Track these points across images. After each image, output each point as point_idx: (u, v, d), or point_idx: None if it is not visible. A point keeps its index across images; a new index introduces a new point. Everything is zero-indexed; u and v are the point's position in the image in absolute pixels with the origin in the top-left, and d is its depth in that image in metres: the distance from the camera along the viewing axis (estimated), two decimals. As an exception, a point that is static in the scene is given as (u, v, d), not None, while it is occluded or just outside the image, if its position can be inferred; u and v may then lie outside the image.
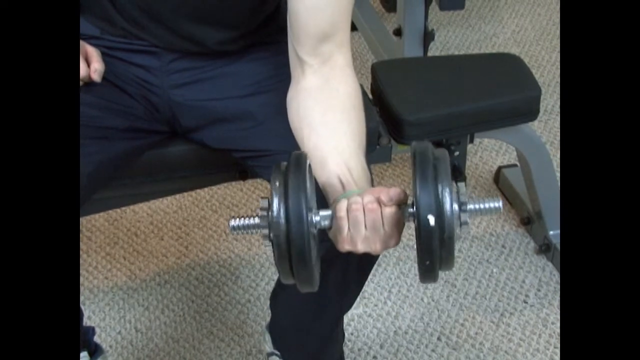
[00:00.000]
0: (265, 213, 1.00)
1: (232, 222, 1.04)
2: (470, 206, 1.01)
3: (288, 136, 1.23)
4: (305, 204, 0.99)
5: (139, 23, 1.34)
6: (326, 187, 1.12)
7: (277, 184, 1.00)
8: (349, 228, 1.03)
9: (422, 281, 1.04)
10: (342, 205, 1.04)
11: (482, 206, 1.02)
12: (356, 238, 1.04)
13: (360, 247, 1.04)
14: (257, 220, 1.03)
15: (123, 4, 1.33)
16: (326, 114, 1.19)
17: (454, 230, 0.98)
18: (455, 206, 0.98)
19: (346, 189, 1.10)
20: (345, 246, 1.05)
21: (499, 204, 1.02)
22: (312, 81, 1.21)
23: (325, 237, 1.09)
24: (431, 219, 0.97)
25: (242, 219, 1.04)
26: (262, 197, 1.03)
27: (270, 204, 1.00)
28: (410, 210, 1.01)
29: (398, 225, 1.04)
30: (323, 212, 1.04)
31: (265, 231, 1.01)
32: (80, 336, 1.50)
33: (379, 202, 1.03)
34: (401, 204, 1.04)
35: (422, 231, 0.97)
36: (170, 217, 2.12)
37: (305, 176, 1.01)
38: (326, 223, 1.04)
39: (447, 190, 0.98)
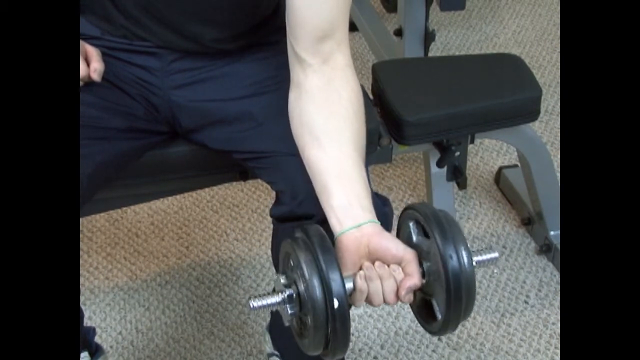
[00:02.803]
0: (289, 292, 1.07)
1: (253, 303, 1.08)
2: (476, 258, 1.10)
3: (288, 137, 1.23)
4: (342, 277, 1.04)
5: (139, 22, 1.34)
6: (327, 210, 1.15)
7: (304, 256, 1.05)
8: (368, 295, 1.10)
9: (442, 333, 1.13)
10: (361, 277, 1.09)
11: (484, 258, 1.11)
12: (373, 303, 1.11)
13: (376, 306, 1.12)
14: (281, 296, 1.07)
15: (123, 2, 1.33)
16: (328, 121, 1.18)
17: (474, 276, 1.07)
18: (472, 258, 1.07)
19: (343, 224, 1.12)
20: (360, 305, 1.12)
21: (495, 254, 1.12)
22: (314, 81, 1.21)
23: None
24: (454, 257, 1.05)
25: (263, 298, 1.08)
26: (277, 277, 1.09)
27: (303, 280, 1.04)
28: (426, 265, 1.10)
29: (412, 291, 1.11)
30: (347, 283, 1.08)
31: (293, 311, 1.07)
32: (80, 336, 1.49)
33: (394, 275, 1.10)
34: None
35: (452, 284, 1.05)
36: (171, 218, 2.12)
37: (332, 247, 1.07)
38: (348, 292, 1.09)
39: (463, 242, 1.07)
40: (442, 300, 1.07)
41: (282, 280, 1.08)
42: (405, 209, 1.15)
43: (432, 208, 1.11)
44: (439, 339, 1.81)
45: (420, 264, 1.10)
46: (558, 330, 1.82)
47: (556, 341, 1.80)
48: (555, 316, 1.85)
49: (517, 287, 1.93)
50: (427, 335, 1.81)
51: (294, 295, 1.07)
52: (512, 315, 1.86)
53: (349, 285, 1.09)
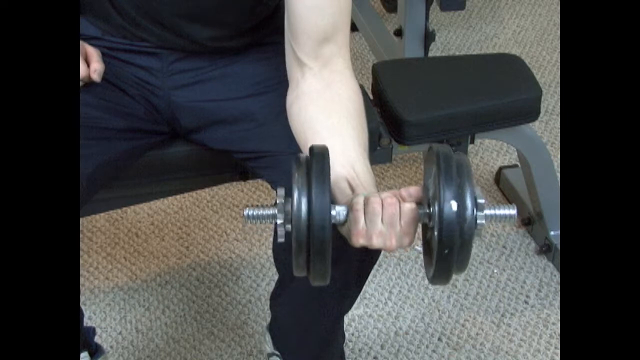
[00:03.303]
0: (282, 202, 1.02)
1: (247, 211, 1.05)
2: (487, 211, 1.02)
3: (288, 138, 1.23)
4: (329, 198, 0.99)
5: (137, 22, 1.35)
6: (335, 189, 1.12)
7: (299, 175, 1.01)
8: (365, 221, 1.03)
9: (433, 282, 1.05)
10: (359, 199, 1.04)
11: (497, 212, 1.03)
12: (372, 232, 1.04)
13: (375, 242, 1.04)
14: (273, 210, 1.04)
15: (121, 3, 1.33)
16: (330, 118, 1.18)
17: (474, 225, 1.00)
18: (475, 202, 1.00)
19: (355, 191, 1.10)
20: (359, 240, 1.05)
21: (514, 211, 1.03)
22: (313, 85, 1.20)
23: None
24: (454, 205, 0.98)
25: (258, 208, 1.05)
26: (279, 187, 1.04)
27: (291, 195, 1.00)
28: (427, 211, 1.03)
29: (414, 223, 1.05)
30: (339, 207, 1.05)
31: (281, 221, 1.02)
32: (80, 336, 1.49)
33: (397, 198, 1.04)
34: (418, 203, 1.05)
35: (444, 220, 0.98)
36: (171, 218, 2.12)
37: (329, 170, 1.01)
38: (341, 218, 1.05)
39: (468, 186, 0.99)
40: (435, 250, 1.02)
41: (280, 192, 1.05)
42: (428, 150, 1.08)
43: (449, 150, 1.03)
44: (439, 339, 1.81)
45: (428, 207, 1.04)
46: (558, 331, 1.82)
47: (556, 341, 1.80)
48: (555, 316, 1.85)
49: (517, 287, 1.93)
50: (427, 335, 1.81)
51: (288, 212, 1.03)
52: (512, 315, 1.86)
53: (343, 209, 1.05)
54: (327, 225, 0.99)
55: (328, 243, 1.00)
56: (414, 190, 1.05)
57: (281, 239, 1.04)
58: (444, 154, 1.02)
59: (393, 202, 1.03)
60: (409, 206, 1.04)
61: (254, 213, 1.05)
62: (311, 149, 1.04)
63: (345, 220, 1.05)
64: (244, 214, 1.05)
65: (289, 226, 1.03)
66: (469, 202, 0.99)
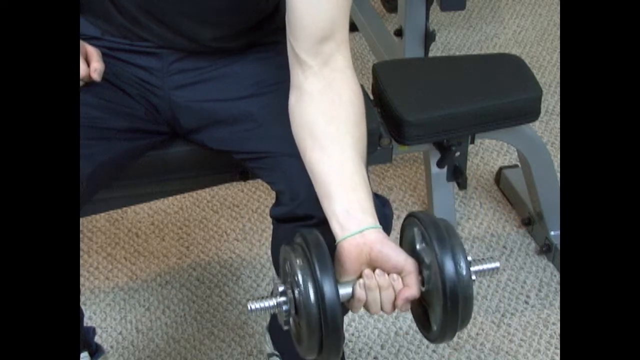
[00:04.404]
0: (284, 292, 1.08)
1: (251, 305, 1.09)
2: (475, 267, 1.10)
3: (288, 138, 1.23)
4: (336, 283, 1.05)
5: (138, 22, 1.35)
6: (329, 215, 1.15)
7: (300, 262, 1.06)
8: (367, 302, 1.11)
9: (439, 341, 1.13)
10: (361, 286, 1.10)
11: (483, 267, 1.12)
12: (371, 311, 1.12)
13: (373, 313, 1.13)
14: (275, 300, 1.09)
15: (122, 2, 1.33)
16: (329, 124, 1.18)
17: (472, 282, 1.08)
18: (469, 268, 1.08)
19: (345, 229, 1.12)
20: (358, 311, 1.13)
21: (497, 264, 1.12)
22: (314, 84, 1.20)
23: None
24: (453, 268, 1.06)
25: (261, 300, 1.09)
26: (275, 277, 1.12)
27: (297, 285, 1.05)
28: (425, 273, 1.10)
29: (410, 301, 1.12)
30: (343, 290, 1.10)
31: (286, 315, 1.08)
32: (80, 337, 1.49)
33: (394, 283, 1.11)
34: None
35: (449, 295, 1.06)
36: (172, 218, 2.12)
37: (329, 255, 1.07)
38: (345, 298, 1.11)
39: (462, 253, 1.07)
40: (439, 310, 1.08)
41: (280, 284, 1.10)
42: (408, 216, 1.15)
43: (433, 217, 1.11)
44: (439, 339, 1.81)
45: (421, 272, 1.10)
46: (558, 331, 1.82)
47: (556, 341, 1.80)
48: (555, 316, 1.85)
49: (517, 287, 1.93)
50: (428, 335, 1.81)
51: (290, 299, 1.08)
52: (512, 315, 1.86)
53: (347, 291, 1.10)
54: (337, 312, 1.04)
55: (341, 329, 1.06)
56: (410, 295, 1.10)
57: (286, 327, 1.11)
58: (430, 220, 1.10)
59: (391, 292, 1.10)
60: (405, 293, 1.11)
61: (258, 306, 1.09)
62: (303, 234, 1.09)
63: (349, 297, 1.11)
64: (248, 308, 1.09)
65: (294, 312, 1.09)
66: (464, 265, 1.07)
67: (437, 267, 1.06)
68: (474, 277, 1.08)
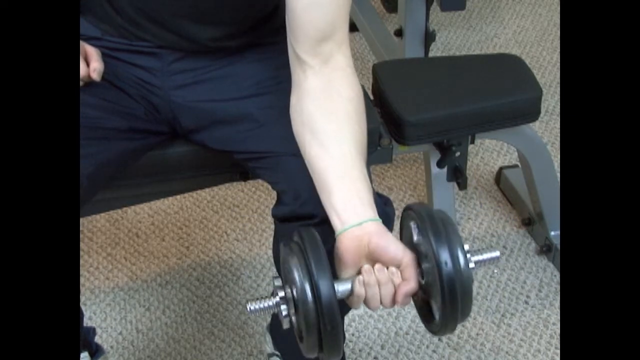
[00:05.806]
0: (282, 291, 1.09)
1: (250, 306, 1.10)
2: (475, 257, 1.11)
3: (288, 138, 1.23)
4: (332, 281, 1.05)
5: (136, 22, 1.35)
6: (328, 208, 1.15)
7: (297, 261, 1.06)
8: (366, 297, 1.11)
9: (441, 333, 1.13)
10: (360, 282, 1.10)
11: (483, 257, 1.12)
12: (370, 306, 1.12)
13: (373, 309, 1.13)
14: (274, 300, 1.10)
15: (121, 4, 1.33)
16: (329, 120, 1.18)
17: (471, 274, 1.07)
18: (468, 259, 1.07)
19: (345, 222, 1.12)
20: (358, 307, 1.13)
21: (497, 253, 1.12)
22: (314, 83, 1.21)
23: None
24: (450, 261, 1.05)
25: (260, 301, 1.10)
26: (274, 277, 1.12)
27: (295, 284, 1.06)
28: (424, 266, 1.10)
29: (410, 296, 1.12)
30: (342, 287, 1.10)
31: (285, 312, 1.09)
32: (80, 337, 1.50)
33: (393, 278, 1.11)
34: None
35: (447, 287, 1.05)
36: (172, 218, 2.12)
37: (324, 252, 1.07)
38: (344, 293, 1.11)
39: (459, 244, 1.06)
40: (439, 302, 1.08)
41: (278, 284, 1.10)
42: (405, 209, 1.15)
43: (429, 209, 1.11)
44: (439, 339, 1.81)
45: (420, 265, 1.10)
46: (558, 331, 1.82)
47: (556, 341, 1.80)
48: (555, 316, 1.85)
49: (517, 287, 1.93)
50: (428, 335, 1.81)
51: (290, 298, 1.08)
52: (512, 315, 1.86)
53: (346, 287, 1.10)
54: (335, 309, 1.04)
55: (339, 325, 1.05)
56: (411, 290, 1.10)
57: (287, 326, 1.10)
58: (426, 212, 1.09)
59: (390, 288, 1.10)
60: (405, 290, 1.10)
61: (257, 307, 1.10)
62: (298, 231, 1.09)
63: (348, 293, 1.11)
64: (247, 309, 1.10)
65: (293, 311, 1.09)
66: (461, 257, 1.06)
67: (434, 259, 1.05)
68: (472, 265, 1.07)
